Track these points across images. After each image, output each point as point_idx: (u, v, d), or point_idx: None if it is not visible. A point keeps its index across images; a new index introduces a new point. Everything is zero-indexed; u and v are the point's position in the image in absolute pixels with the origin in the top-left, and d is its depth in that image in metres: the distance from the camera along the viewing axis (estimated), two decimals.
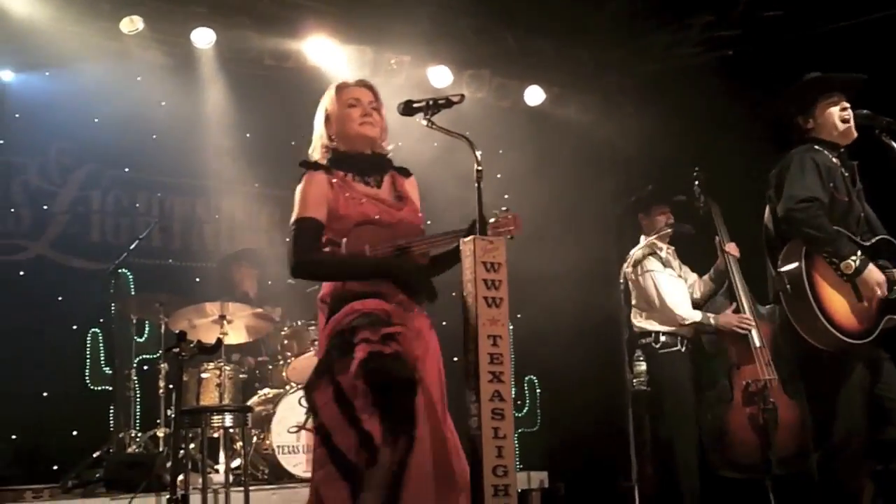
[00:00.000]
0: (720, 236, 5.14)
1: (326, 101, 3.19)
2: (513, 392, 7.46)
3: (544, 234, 6.67)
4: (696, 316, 4.97)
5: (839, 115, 3.84)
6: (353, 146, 3.13)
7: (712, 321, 4.91)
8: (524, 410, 7.60)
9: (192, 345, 3.26)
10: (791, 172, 3.74)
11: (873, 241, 3.74)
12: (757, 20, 7.50)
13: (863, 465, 3.64)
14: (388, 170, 3.19)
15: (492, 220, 3.02)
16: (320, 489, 2.75)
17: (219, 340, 3.35)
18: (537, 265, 7.06)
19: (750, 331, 4.85)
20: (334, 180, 3.03)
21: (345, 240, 2.93)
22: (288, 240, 3.00)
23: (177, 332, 3.40)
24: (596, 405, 6.72)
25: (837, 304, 3.62)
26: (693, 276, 5.31)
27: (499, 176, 7.24)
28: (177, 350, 3.18)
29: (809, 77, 3.97)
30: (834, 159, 3.82)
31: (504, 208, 3.06)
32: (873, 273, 3.59)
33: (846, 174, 3.83)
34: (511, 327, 7.51)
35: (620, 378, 5.22)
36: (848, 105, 3.86)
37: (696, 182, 5.27)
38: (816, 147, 3.84)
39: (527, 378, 7.70)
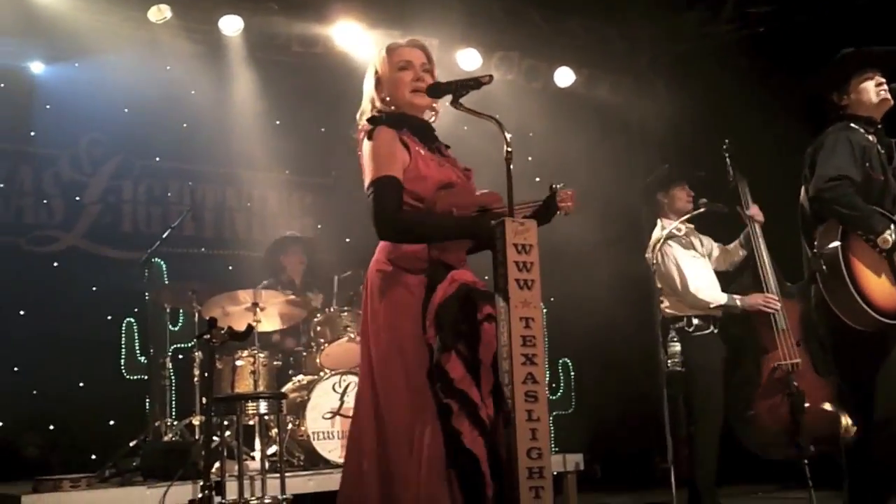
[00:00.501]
0: (745, 209, 5.05)
1: (377, 63, 3.05)
2: (547, 375, 7.46)
3: (577, 216, 6.60)
4: (722, 298, 4.90)
5: (875, 90, 3.77)
6: (406, 110, 3.01)
7: (738, 303, 4.84)
8: (559, 393, 7.57)
9: (223, 331, 3.24)
10: (824, 151, 3.69)
11: None
12: None
13: None
14: (436, 139, 3.09)
15: (557, 192, 2.98)
16: (484, 465, 2.62)
17: (249, 326, 3.33)
18: (571, 248, 7.02)
19: (776, 311, 4.77)
20: (404, 137, 2.91)
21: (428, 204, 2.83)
22: (370, 202, 2.83)
23: (208, 319, 3.38)
24: (631, 387, 6.68)
25: (874, 284, 3.57)
26: (717, 249, 5.24)
27: (530, 158, 7.20)
28: (207, 337, 3.16)
29: (844, 52, 3.90)
30: (870, 137, 3.76)
31: (561, 184, 3.02)
32: None
33: (882, 152, 3.76)
34: (545, 310, 7.55)
35: (655, 359, 5.16)
36: (883, 80, 3.79)
37: (727, 155, 5.19)
38: (852, 125, 3.78)
39: (561, 361, 7.66)
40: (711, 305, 4.90)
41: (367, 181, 2.88)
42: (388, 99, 3.02)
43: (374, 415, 2.84)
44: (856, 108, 3.82)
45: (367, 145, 2.91)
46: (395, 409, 2.80)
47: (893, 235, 3.52)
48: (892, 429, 3.59)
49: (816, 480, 4.89)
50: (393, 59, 3.03)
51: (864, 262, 3.59)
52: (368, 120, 2.98)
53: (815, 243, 3.71)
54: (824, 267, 3.63)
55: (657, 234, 5.17)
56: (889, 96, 3.79)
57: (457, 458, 2.64)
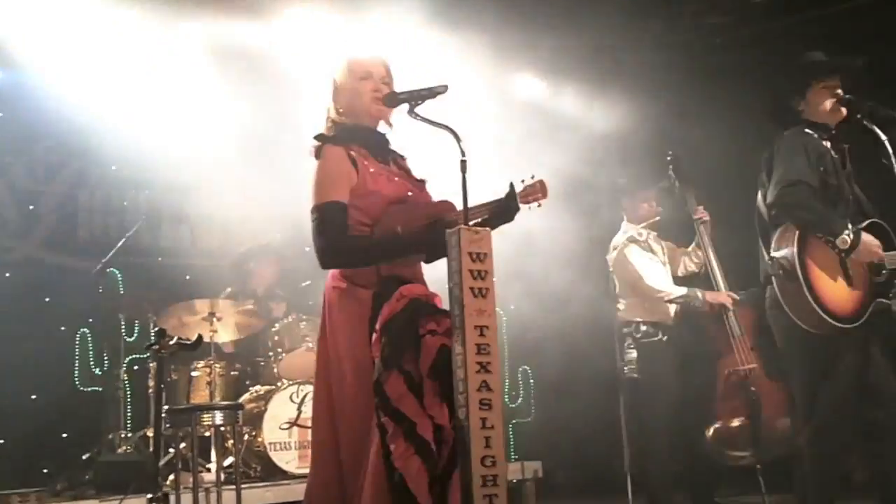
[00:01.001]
0: (696, 216, 5.13)
1: (337, 73, 3.07)
2: (506, 383, 7.47)
3: (539, 222, 6.62)
4: (682, 290, 4.95)
5: (831, 98, 3.83)
6: (361, 121, 3.03)
7: (700, 295, 4.89)
8: (518, 401, 7.56)
9: (171, 342, 3.19)
10: (781, 156, 3.74)
11: (865, 224, 3.72)
12: (747, 6, 7.50)
13: (850, 447, 3.63)
14: (390, 150, 3.10)
15: (519, 189, 2.97)
16: (412, 484, 2.60)
17: (199, 337, 3.28)
18: (531, 255, 7.04)
19: (731, 311, 4.83)
20: (353, 153, 2.92)
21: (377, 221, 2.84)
22: (312, 227, 2.85)
23: (156, 329, 3.33)
24: (590, 394, 6.69)
25: (829, 288, 3.63)
26: (680, 252, 5.30)
27: (493, 167, 7.20)
28: (156, 348, 3.11)
29: (806, 58, 3.95)
30: (825, 142, 3.81)
31: (531, 176, 3.02)
32: (869, 242, 3.62)
33: (836, 157, 3.82)
34: (505, 318, 7.55)
35: (614, 366, 5.19)
36: (841, 89, 3.85)
37: (671, 166, 5.26)
38: (807, 130, 3.83)
39: (521, 369, 7.66)
40: (672, 297, 4.94)
41: (311, 205, 2.89)
42: (345, 109, 3.02)
43: (332, 426, 2.85)
44: (811, 115, 3.88)
45: (314, 165, 2.93)
46: (349, 423, 2.81)
47: (851, 236, 3.57)
48: (838, 431, 3.64)
49: (770, 486, 4.96)
50: (353, 70, 3.05)
51: (820, 265, 3.64)
52: (316, 137, 2.99)
53: (773, 247, 3.76)
54: (781, 270, 3.67)
55: (619, 237, 5.22)
56: (842, 106, 3.84)
57: (391, 475, 2.63)
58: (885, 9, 6.62)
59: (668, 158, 5.32)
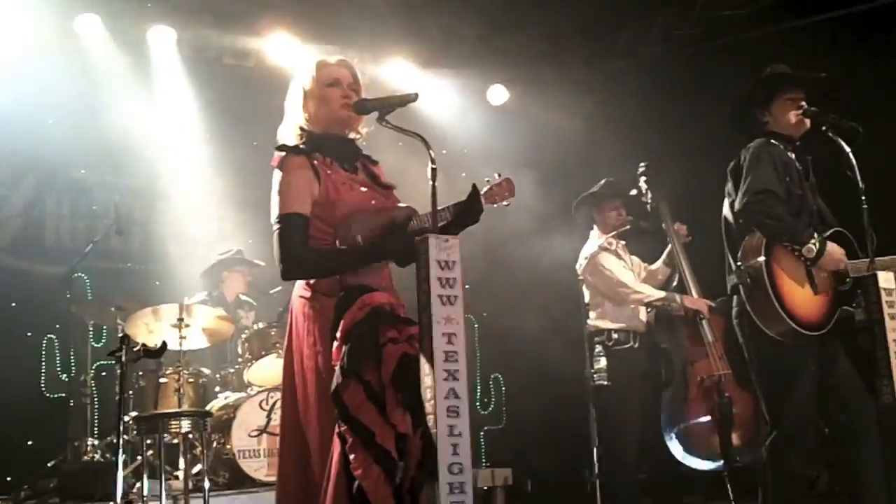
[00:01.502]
0: (667, 227, 5.16)
1: (304, 80, 3.03)
2: (478, 390, 7.49)
3: (509, 231, 6.66)
4: (661, 293, 4.98)
5: (795, 110, 3.88)
6: (329, 129, 3.00)
7: (678, 299, 4.93)
8: (490, 408, 7.58)
9: (136, 348, 3.16)
10: (748, 166, 3.79)
11: (828, 233, 3.78)
12: (715, 19, 7.59)
13: (815, 454, 3.67)
14: (359, 156, 3.09)
15: (485, 188, 2.97)
16: (371, 494, 2.59)
17: (164, 344, 3.25)
18: (503, 264, 7.07)
19: (705, 318, 4.87)
20: (316, 163, 2.90)
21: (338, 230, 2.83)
22: (274, 239, 2.84)
23: (120, 335, 3.30)
24: (561, 401, 6.72)
25: (796, 296, 3.68)
26: (645, 268, 5.33)
27: (463, 175, 7.23)
28: (120, 354, 3.08)
29: (771, 71, 4.01)
30: (789, 153, 3.87)
31: (497, 174, 3.01)
32: (835, 249, 3.68)
33: (800, 168, 3.87)
34: (476, 325, 7.56)
35: (583, 374, 5.22)
36: (804, 102, 3.91)
37: (643, 178, 5.29)
38: (772, 141, 3.88)
39: (493, 376, 7.68)
40: (646, 300, 4.97)
41: (272, 215, 2.88)
42: (312, 116, 3.00)
43: (299, 435, 2.85)
44: (776, 126, 3.93)
45: (276, 176, 2.91)
46: (313, 432, 2.81)
47: (817, 244, 3.62)
48: (802, 438, 3.68)
49: (738, 493, 5.00)
50: (321, 76, 3.02)
51: (787, 274, 3.69)
52: (278, 148, 2.97)
53: (740, 255, 3.80)
54: (748, 279, 3.72)
55: (589, 247, 5.24)
56: (805, 118, 3.89)
57: (351, 484, 2.63)
58: (851, 23, 6.75)
59: (640, 169, 5.34)
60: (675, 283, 5.19)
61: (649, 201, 5.24)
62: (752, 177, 3.73)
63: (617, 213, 5.25)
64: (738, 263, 3.80)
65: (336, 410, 2.67)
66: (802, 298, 3.68)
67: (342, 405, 2.65)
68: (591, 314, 5.13)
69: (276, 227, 2.86)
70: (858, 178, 3.53)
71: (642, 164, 5.35)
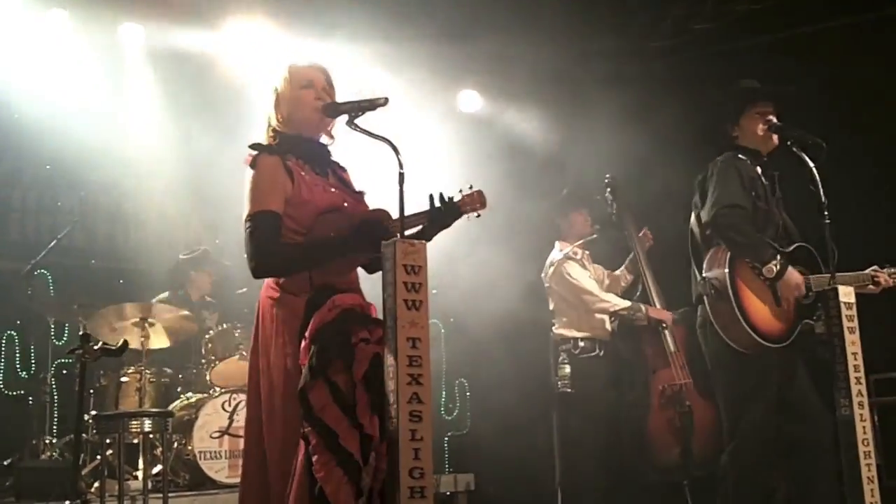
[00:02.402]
0: (630, 236, 5.20)
1: (278, 81, 3.03)
2: (443, 396, 7.48)
3: (478, 239, 6.68)
4: (626, 302, 5.02)
5: (763, 125, 3.92)
6: (302, 132, 3.00)
7: (643, 309, 4.96)
8: (454, 413, 7.58)
9: (95, 347, 3.13)
10: (716, 180, 3.83)
11: (792, 248, 3.83)
12: (689, 31, 7.67)
13: (772, 464, 3.71)
14: (330, 161, 3.10)
15: (456, 199, 2.98)
16: (332, 496, 2.58)
17: (125, 343, 3.22)
18: (471, 270, 7.08)
19: (667, 329, 4.92)
20: (289, 163, 2.90)
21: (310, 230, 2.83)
22: (245, 236, 2.83)
23: (81, 333, 3.27)
24: (526, 407, 6.74)
25: (758, 308, 3.73)
26: (608, 275, 5.37)
27: (434, 181, 7.22)
28: (80, 352, 3.04)
29: (740, 85, 4.05)
30: (756, 168, 3.91)
31: (469, 185, 3.03)
32: (793, 276, 3.74)
33: (766, 183, 3.92)
34: (443, 331, 7.55)
35: (548, 381, 5.24)
36: (773, 116, 3.95)
37: (609, 189, 5.34)
38: (740, 156, 3.93)
39: (458, 381, 7.68)
40: (612, 309, 5.00)
41: (244, 213, 2.87)
42: (285, 118, 3.00)
43: (262, 438, 2.83)
44: (745, 140, 3.97)
45: (248, 174, 2.90)
46: (277, 434, 2.79)
47: (778, 266, 3.67)
48: (759, 448, 3.72)
49: (697, 502, 5.05)
50: (295, 79, 3.02)
51: (749, 287, 3.75)
52: (251, 146, 2.96)
53: (705, 266, 3.84)
54: (713, 290, 3.76)
55: (554, 255, 5.27)
56: (774, 137, 3.93)
57: (313, 486, 2.62)
58: (822, 39, 6.86)
59: (606, 181, 5.39)
60: (639, 291, 5.24)
61: (614, 211, 5.29)
62: (721, 190, 3.78)
63: (583, 221, 5.28)
64: (703, 275, 3.84)
65: (301, 410, 2.66)
66: (765, 311, 3.73)
67: (307, 405, 2.64)
68: (556, 322, 5.16)
69: (247, 224, 2.85)
70: (822, 193, 3.57)
71: (607, 175, 5.39)
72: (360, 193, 3.09)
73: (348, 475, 2.60)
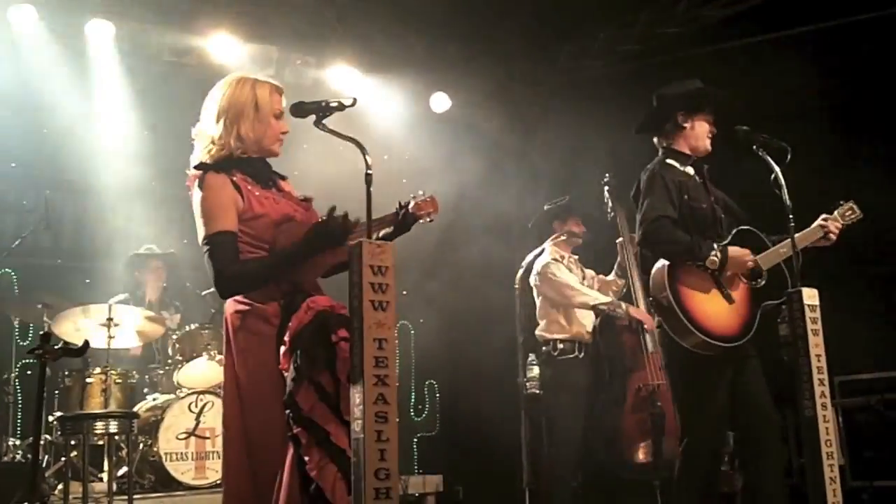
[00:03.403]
0: (623, 238, 5.24)
1: (249, 97, 2.95)
2: (412, 397, 7.48)
3: (448, 240, 6.69)
4: (607, 297, 5.06)
5: (708, 132, 3.98)
6: (254, 154, 2.98)
7: (623, 307, 5.00)
8: (424, 415, 7.58)
9: (57, 346, 3.09)
10: (643, 193, 3.88)
11: (730, 237, 3.85)
12: (658, 36, 7.73)
13: (721, 461, 3.73)
14: (271, 173, 3.08)
15: (411, 203, 2.99)
16: (329, 493, 2.60)
17: (86, 342, 3.16)
18: (440, 271, 7.09)
19: (649, 330, 4.95)
20: (235, 179, 2.88)
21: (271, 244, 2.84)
22: (206, 259, 2.82)
23: (42, 332, 3.22)
24: (495, 409, 6.76)
25: (709, 312, 3.73)
26: (598, 280, 5.40)
27: (404, 181, 7.22)
28: (40, 352, 3.00)
29: (681, 86, 4.08)
30: (687, 169, 3.94)
31: (421, 192, 3.04)
32: (737, 254, 3.74)
33: (700, 182, 3.95)
34: (412, 332, 7.55)
35: (517, 382, 5.26)
36: (711, 118, 3.99)
37: (606, 189, 5.38)
38: (668, 161, 3.96)
39: (427, 383, 7.69)
40: (593, 302, 5.02)
41: (200, 236, 2.86)
42: (241, 137, 2.93)
43: (244, 444, 2.84)
44: (684, 138, 3.98)
45: (197, 195, 2.88)
46: (262, 440, 2.80)
47: (719, 255, 3.70)
48: (711, 448, 3.74)
49: (666, 501, 5.08)
50: (271, 104, 2.98)
51: (696, 291, 3.75)
52: (196, 166, 2.93)
53: (650, 284, 3.87)
54: (661, 307, 3.79)
55: (543, 258, 5.28)
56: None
57: (307, 487, 2.62)
58: (787, 46, 6.95)
59: (604, 180, 5.43)
60: (623, 291, 5.28)
61: (610, 211, 5.34)
62: (646, 204, 3.83)
63: (577, 227, 5.35)
64: (650, 295, 3.89)
65: (289, 413, 2.67)
66: (717, 312, 3.73)
67: (296, 406, 2.66)
68: (542, 322, 5.18)
69: (205, 247, 2.84)
70: (786, 197, 3.60)
71: (606, 174, 5.44)
72: (308, 201, 3.09)
73: (342, 471, 2.63)
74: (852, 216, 3.95)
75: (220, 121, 2.94)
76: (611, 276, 5.40)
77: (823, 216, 3.90)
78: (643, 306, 5.07)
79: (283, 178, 3.13)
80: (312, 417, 2.65)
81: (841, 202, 3.97)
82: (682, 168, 3.94)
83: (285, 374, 2.72)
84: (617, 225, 5.36)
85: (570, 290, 5.05)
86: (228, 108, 2.95)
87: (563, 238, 5.31)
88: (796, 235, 3.69)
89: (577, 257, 5.38)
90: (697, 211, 3.85)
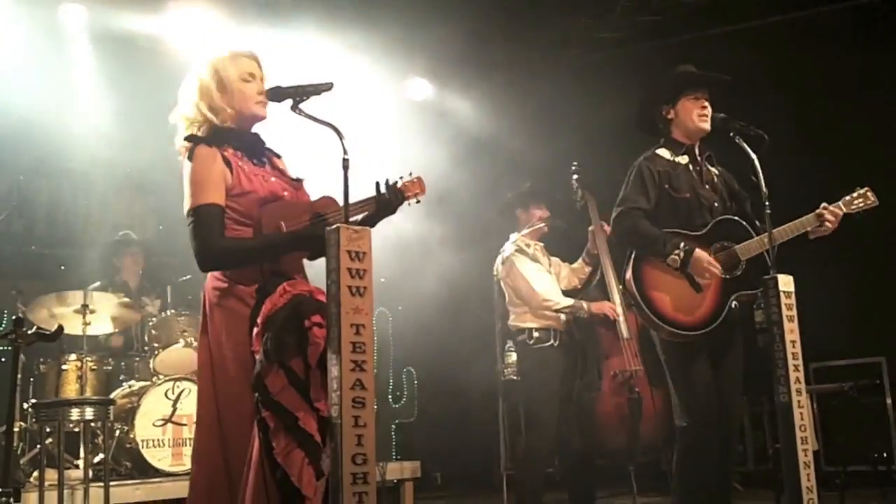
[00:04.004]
0: (594, 226, 5.22)
1: (216, 70, 2.95)
2: (391, 383, 7.49)
3: (427, 227, 6.68)
4: (569, 300, 5.05)
5: (697, 112, 3.95)
6: (240, 124, 2.96)
7: (585, 306, 5.00)
8: (402, 401, 7.59)
9: (30, 331, 3.05)
10: (623, 185, 3.88)
11: (707, 227, 3.85)
12: (636, 24, 7.75)
13: (710, 451, 3.75)
14: (265, 150, 3.06)
15: (398, 184, 2.98)
16: (295, 478, 2.58)
17: (59, 328, 3.14)
18: (419, 258, 7.08)
19: (618, 319, 4.96)
20: (226, 154, 2.86)
21: (259, 220, 2.80)
22: (189, 230, 2.80)
23: (14, 318, 3.19)
24: (472, 395, 6.78)
25: (674, 302, 3.75)
26: (566, 267, 5.39)
27: (383, 168, 7.19)
28: (13, 337, 2.96)
29: (676, 71, 4.08)
30: (677, 158, 3.94)
31: (409, 172, 3.03)
32: (700, 258, 3.72)
33: (693, 170, 3.95)
34: (391, 319, 7.55)
35: (495, 369, 5.27)
36: (707, 103, 3.97)
37: (575, 176, 5.36)
38: (658, 151, 3.96)
39: (405, 370, 7.70)
40: (558, 307, 5.02)
41: (186, 207, 2.84)
42: (221, 109, 2.93)
43: (217, 425, 2.82)
44: (676, 126, 3.99)
45: (186, 166, 2.86)
46: (236, 422, 2.77)
47: (681, 253, 3.71)
48: (697, 431, 3.76)
49: (642, 486, 5.13)
50: (237, 70, 2.98)
51: (660, 282, 3.77)
52: (187, 138, 2.92)
53: (623, 270, 3.89)
54: (629, 298, 3.81)
55: (507, 248, 5.27)
56: (706, 125, 3.95)
57: (274, 471, 2.61)
58: (765, 33, 7.00)
59: (573, 168, 5.41)
60: (596, 279, 5.27)
61: (579, 199, 5.32)
62: (622, 195, 3.88)
63: (541, 213, 5.31)
64: (621, 284, 3.91)
65: (257, 397, 2.65)
66: (681, 301, 3.74)
67: (264, 390, 2.64)
68: (513, 313, 5.17)
69: (190, 218, 2.82)
70: (763, 184, 3.60)
71: (574, 163, 5.41)
72: (299, 181, 3.07)
73: (309, 457, 2.61)
74: (862, 203, 3.80)
75: (191, 100, 2.96)
76: (577, 264, 5.40)
77: (823, 204, 3.80)
78: (616, 294, 5.08)
79: (278, 156, 3.11)
80: (280, 401, 2.63)
81: (858, 188, 3.83)
82: (672, 157, 3.94)
83: (256, 356, 2.69)
84: (587, 210, 5.35)
85: (533, 293, 5.05)
86: (198, 87, 2.96)
87: (529, 226, 5.28)
88: (789, 225, 3.71)
89: (542, 245, 5.36)
90: (679, 201, 3.85)
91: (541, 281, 5.11)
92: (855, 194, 3.83)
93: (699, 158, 3.99)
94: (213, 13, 6.52)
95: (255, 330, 2.71)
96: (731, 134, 3.77)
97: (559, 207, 5.45)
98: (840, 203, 3.80)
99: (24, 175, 6.74)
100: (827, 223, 3.75)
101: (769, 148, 3.67)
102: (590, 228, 5.24)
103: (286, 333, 2.68)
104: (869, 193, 3.83)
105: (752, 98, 5.44)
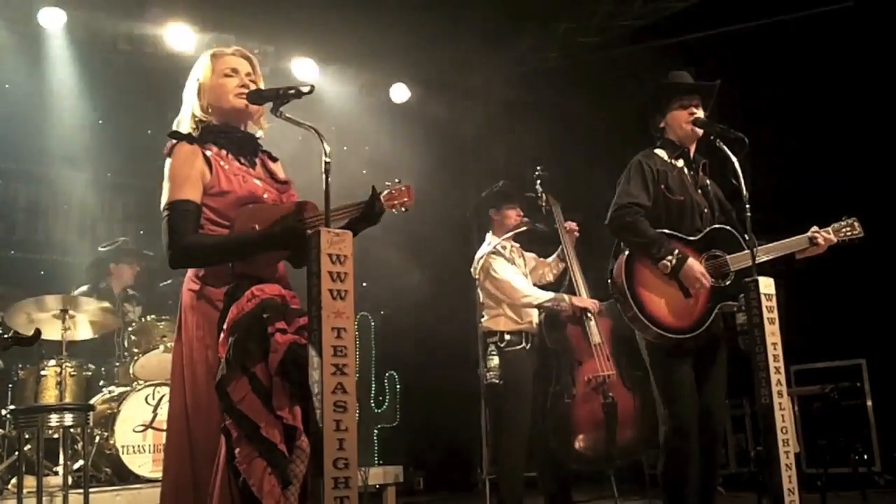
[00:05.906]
0: (560, 228, 5.25)
1: (200, 69, 2.98)
2: (373, 388, 7.46)
3: (409, 231, 6.67)
4: (549, 294, 5.05)
5: (686, 120, 3.97)
6: (227, 120, 2.95)
7: (566, 299, 5.00)
8: (384, 406, 7.57)
9: (7, 335, 3.02)
10: (622, 179, 3.88)
11: (701, 234, 3.86)
12: (617, 28, 7.79)
13: (694, 454, 3.75)
14: (258, 151, 3.04)
15: (384, 192, 2.96)
16: (255, 488, 2.54)
17: (37, 332, 3.09)
18: (401, 263, 7.07)
19: (592, 319, 4.97)
20: (209, 153, 2.85)
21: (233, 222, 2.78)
22: (162, 226, 2.78)
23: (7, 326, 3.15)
24: (455, 399, 6.77)
25: (663, 304, 3.74)
26: (540, 262, 5.40)
27: (364, 172, 7.19)
28: None
29: (668, 78, 4.09)
30: (673, 160, 3.95)
31: (397, 180, 3.01)
32: (692, 267, 3.73)
33: (688, 173, 3.96)
34: (373, 323, 7.52)
35: (477, 373, 5.26)
36: (698, 108, 3.99)
37: (539, 181, 5.38)
38: (656, 151, 3.97)
39: (388, 374, 7.68)
40: (535, 303, 5.02)
41: (161, 203, 2.82)
42: (207, 109, 2.95)
43: (186, 430, 2.79)
44: (670, 131, 4.01)
45: (167, 163, 2.86)
46: (203, 427, 2.75)
47: (673, 260, 3.72)
48: (680, 437, 3.77)
49: (622, 490, 5.13)
50: (218, 66, 2.98)
51: (653, 283, 3.76)
52: (169, 135, 2.91)
53: (613, 267, 3.88)
54: (618, 295, 3.80)
55: (483, 249, 5.27)
56: (697, 130, 3.97)
57: (237, 478, 2.59)
58: (747, 37, 7.04)
59: (536, 174, 5.43)
60: (567, 280, 5.28)
61: (544, 204, 5.33)
62: (620, 190, 3.86)
63: (516, 214, 5.30)
64: (610, 279, 3.90)
65: (220, 403, 2.62)
66: (671, 304, 3.74)
67: (226, 397, 2.61)
68: (485, 315, 5.17)
69: (164, 213, 2.80)
70: (744, 187, 3.62)
71: (538, 168, 5.43)
72: (286, 184, 3.05)
73: (271, 465, 2.58)
74: (850, 232, 3.88)
75: (191, 96, 2.98)
76: (551, 259, 5.42)
77: (814, 228, 3.86)
78: (584, 293, 5.09)
79: (275, 159, 3.09)
80: (242, 409, 2.60)
81: (844, 218, 3.90)
82: (669, 159, 3.95)
83: (221, 362, 2.66)
84: (552, 215, 5.36)
85: (514, 290, 5.05)
86: (195, 83, 2.98)
87: (511, 229, 5.27)
88: (780, 243, 3.73)
89: (518, 245, 5.37)
90: (672, 202, 3.85)
91: (518, 280, 5.12)
92: (843, 223, 3.89)
93: (693, 164, 4.01)
94: (192, 18, 6.50)
95: (222, 336, 2.69)
96: (712, 137, 3.80)
97: (533, 207, 5.46)
98: (829, 229, 3.86)
99: (3, 179, 6.68)
100: (818, 245, 3.82)
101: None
102: (565, 226, 5.26)
103: (250, 339, 2.64)
104: (856, 223, 3.89)
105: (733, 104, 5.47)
